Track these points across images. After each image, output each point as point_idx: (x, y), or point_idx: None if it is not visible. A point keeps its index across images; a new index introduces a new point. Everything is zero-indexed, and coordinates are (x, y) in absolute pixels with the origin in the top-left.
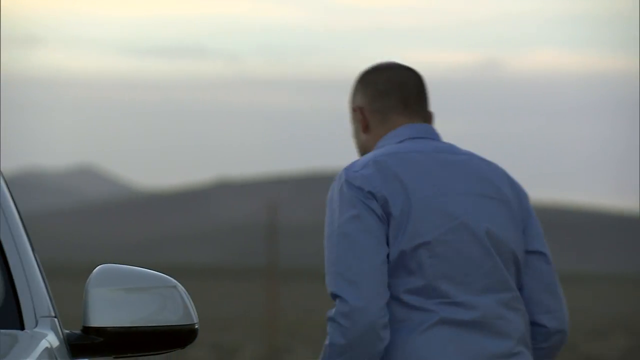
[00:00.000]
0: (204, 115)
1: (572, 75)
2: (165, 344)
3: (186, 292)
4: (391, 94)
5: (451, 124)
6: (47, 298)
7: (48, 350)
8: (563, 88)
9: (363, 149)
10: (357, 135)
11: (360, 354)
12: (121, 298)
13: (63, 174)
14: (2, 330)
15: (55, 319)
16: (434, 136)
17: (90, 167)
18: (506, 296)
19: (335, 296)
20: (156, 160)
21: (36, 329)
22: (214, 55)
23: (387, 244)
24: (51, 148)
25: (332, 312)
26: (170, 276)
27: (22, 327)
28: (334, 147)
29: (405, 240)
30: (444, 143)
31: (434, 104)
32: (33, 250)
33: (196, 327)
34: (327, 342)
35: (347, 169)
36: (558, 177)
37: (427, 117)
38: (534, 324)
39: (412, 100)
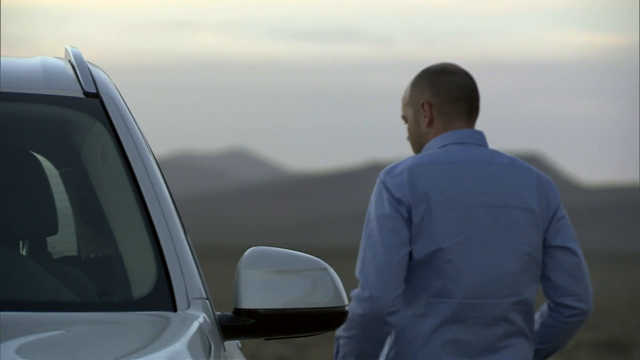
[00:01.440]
0: (355, 98)
1: None
2: (316, 326)
3: (336, 275)
4: (460, 102)
5: (605, 105)
6: (199, 280)
7: (200, 332)
8: None
9: (420, 139)
10: (417, 126)
11: (368, 330)
12: (272, 280)
13: (216, 156)
14: (154, 312)
15: (207, 301)
16: (479, 141)
17: (243, 149)
18: (511, 300)
19: (359, 280)
20: (308, 143)
21: (188, 311)
22: (366, 38)
23: (410, 243)
24: (204, 131)
25: (354, 292)
26: (321, 258)
27: (174, 309)
28: (483, 130)
29: (422, 245)
30: (484, 150)
31: (587, 85)
32: (185, 232)
33: (346, 309)
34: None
35: (387, 172)
36: None
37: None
38: (559, 304)
39: (474, 109)
